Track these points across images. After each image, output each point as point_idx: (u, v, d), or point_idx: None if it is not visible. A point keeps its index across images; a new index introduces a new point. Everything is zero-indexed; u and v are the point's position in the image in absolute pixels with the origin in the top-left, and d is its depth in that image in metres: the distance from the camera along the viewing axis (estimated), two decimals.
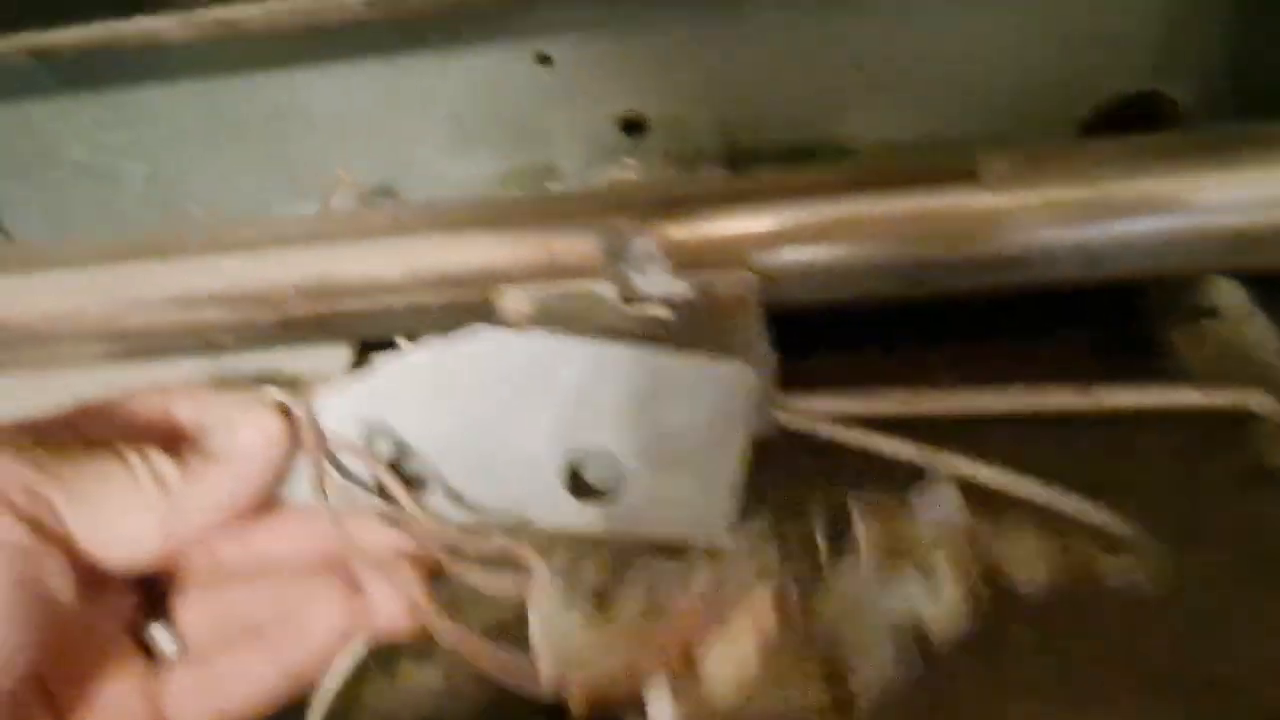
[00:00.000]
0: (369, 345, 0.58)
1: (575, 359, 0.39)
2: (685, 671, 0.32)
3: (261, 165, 0.67)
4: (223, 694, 0.37)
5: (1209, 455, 0.57)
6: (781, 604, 0.30)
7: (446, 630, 0.37)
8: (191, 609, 0.39)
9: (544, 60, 0.60)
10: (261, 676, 0.37)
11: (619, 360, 0.40)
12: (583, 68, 0.61)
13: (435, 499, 0.41)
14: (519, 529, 0.43)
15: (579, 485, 0.42)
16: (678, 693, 0.32)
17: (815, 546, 0.33)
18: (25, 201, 0.69)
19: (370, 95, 0.63)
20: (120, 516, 0.34)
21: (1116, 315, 0.63)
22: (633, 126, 0.63)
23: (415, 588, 0.37)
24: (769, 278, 0.43)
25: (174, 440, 0.37)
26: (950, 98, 0.62)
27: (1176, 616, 0.50)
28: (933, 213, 0.41)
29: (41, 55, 0.55)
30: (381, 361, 0.40)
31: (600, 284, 0.43)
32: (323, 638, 0.37)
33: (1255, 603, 0.50)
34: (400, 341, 0.51)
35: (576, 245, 0.43)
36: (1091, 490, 0.57)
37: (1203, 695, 0.48)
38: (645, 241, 0.43)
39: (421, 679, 0.53)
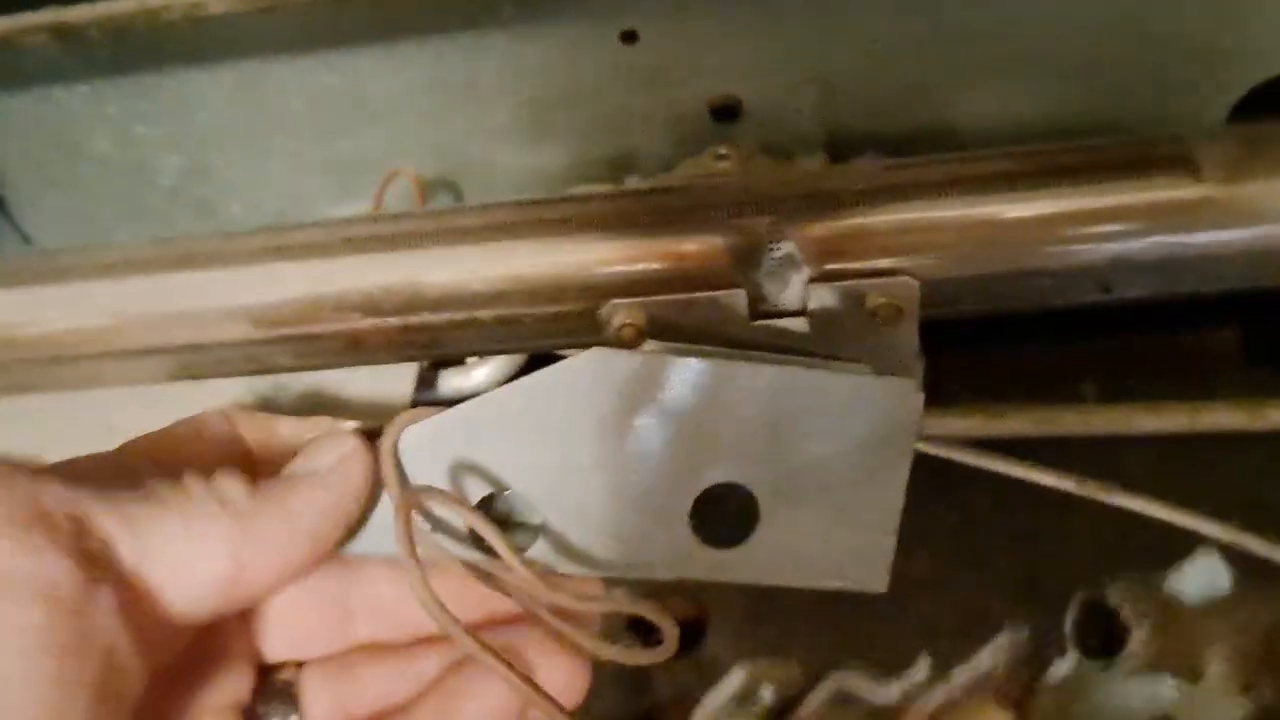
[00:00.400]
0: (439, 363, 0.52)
1: (698, 380, 0.33)
2: None
3: (307, 160, 0.60)
4: None
5: None
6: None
7: None
8: (319, 694, 0.33)
9: (629, 38, 0.54)
10: None
11: (751, 378, 0.33)
12: (672, 45, 0.54)
13: (537, 548, 0.35)
14: (639, 582, 0.37)
15: (706, 527, 0.35)
16: None
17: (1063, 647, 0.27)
18: (47, 200, 0.63)
19: (433, 78, 0.56)
20: (183, 544, 0.28)
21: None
22: (725, 112, 0.56)
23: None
24: (933, 284, 0.36)
25: (243, 468, 0.31)
26: (1075, 81, 0.55)
27: None
28: (1141, 208, 0.34)
29: (65, 35, 0.48)
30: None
31: (730, 294, 0.36)
32: None
33: None
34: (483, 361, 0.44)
35: (701, 249, 0.36)
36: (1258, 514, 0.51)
37: None
38: (785, 245, 0.36)
39: None
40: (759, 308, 0.37)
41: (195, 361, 0.42)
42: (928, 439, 0.48)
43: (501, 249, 0.38)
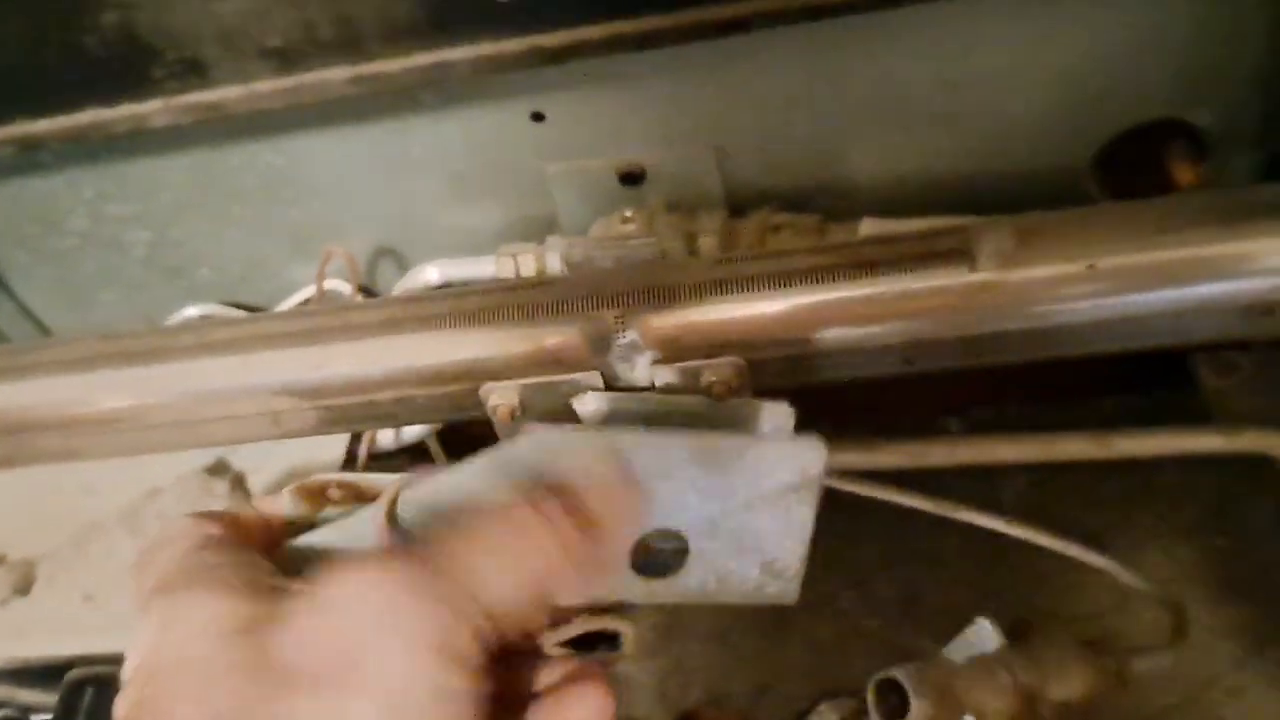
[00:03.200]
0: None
1: (638, 451, 0.38)
2: None
3: (263, 227, 0.67)
4: None
5: (1235, 498, 0.55)
6: None
7: None
8: None
9: (538, 118, 0.60)
10: None
11: (682, 447, 0.39)
12: (577, 123, 0.60)
13: None
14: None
15: (644, 562, 0.41)
16: None
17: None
18: (34, 270, 0.70)
19: (368, 157, 0.63)
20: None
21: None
22: (631, 177, 0.62)
23: None
24: (756, 363, 0.42)
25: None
26: (956, 134, 0.60)
27: (1200, 670, 0.49)
28: (925, 294, 0.40)
29: (31, 146, 0.55)
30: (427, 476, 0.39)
31: (587, 375, 0.43)
32: None
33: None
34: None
35: (562, 339, 0.42)
36: (1113, 536, 0.56)
37: None
38: (630, 335, 0.42)
39: None
40: (613, 386, 0.43)
41: (159, 438, 0.49)
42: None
43: (394, 342, 0.44)
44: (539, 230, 0.64)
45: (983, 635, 0.39)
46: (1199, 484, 0.56)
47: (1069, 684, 0.38)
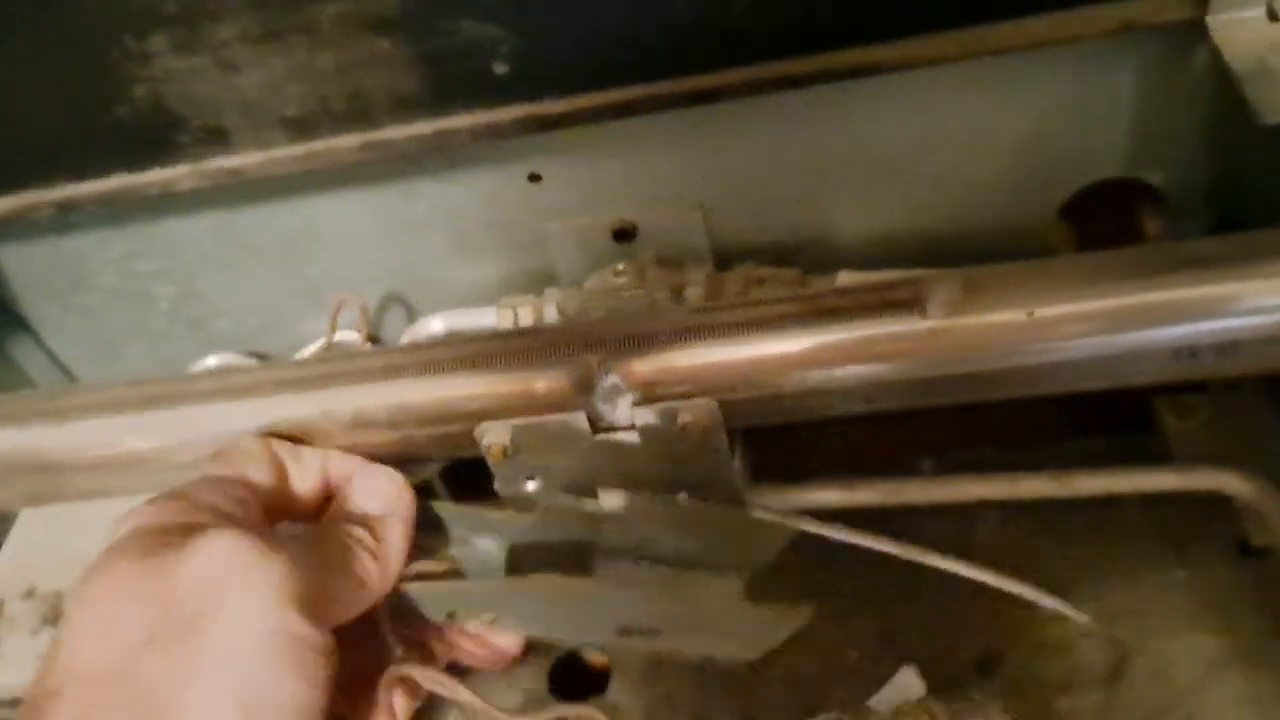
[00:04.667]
0: None
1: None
2: None
3: (280, 283, 0.71)
4: None
5: (1193, 533, 0.58)
6: None
7: None
8: None
9: (535, 179, 0.64)
10: None
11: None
12: (572, 184, 0.64)
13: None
14: None
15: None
16: None
17: None
18: (64, 323, 0.75)
19: (376, 216, 0.67)
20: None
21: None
22: (623, 234, 0.66)
23: None
24: (729, 404, 0.45)
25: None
26: (928, 194, 0.64)
27: (1148, 692, 0.52)
28: (881, 340, 0.44)
29: (66, 207, 0.60)
30: None
31: (574, 416, 0.46)
32: None
33: (1231, 684, 0.52)
34: None
35: (549, 382, 0.46)
36: (1079, 572, 0.59)
37: None
38: (612, 379, 0.46)
39: None
40: (598, 425, 0.47)
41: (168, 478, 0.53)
42: (790, 512, 0.57)
43: (397, 385, 0.48)
44: (538, 283, 0.68)
45: (907, 682, 0.42)
46: (1160, 521, 0.59)
47: None
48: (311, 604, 0.37)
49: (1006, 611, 0.58)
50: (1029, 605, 0.56)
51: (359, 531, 0.43)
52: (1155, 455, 0.61)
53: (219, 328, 0.74)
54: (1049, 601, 0.53)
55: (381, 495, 0.46)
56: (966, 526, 0.62)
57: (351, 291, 0.69)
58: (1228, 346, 0.42)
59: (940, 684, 0.56)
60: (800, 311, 0.45)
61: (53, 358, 0.76)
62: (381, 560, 0.43)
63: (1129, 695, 0.53)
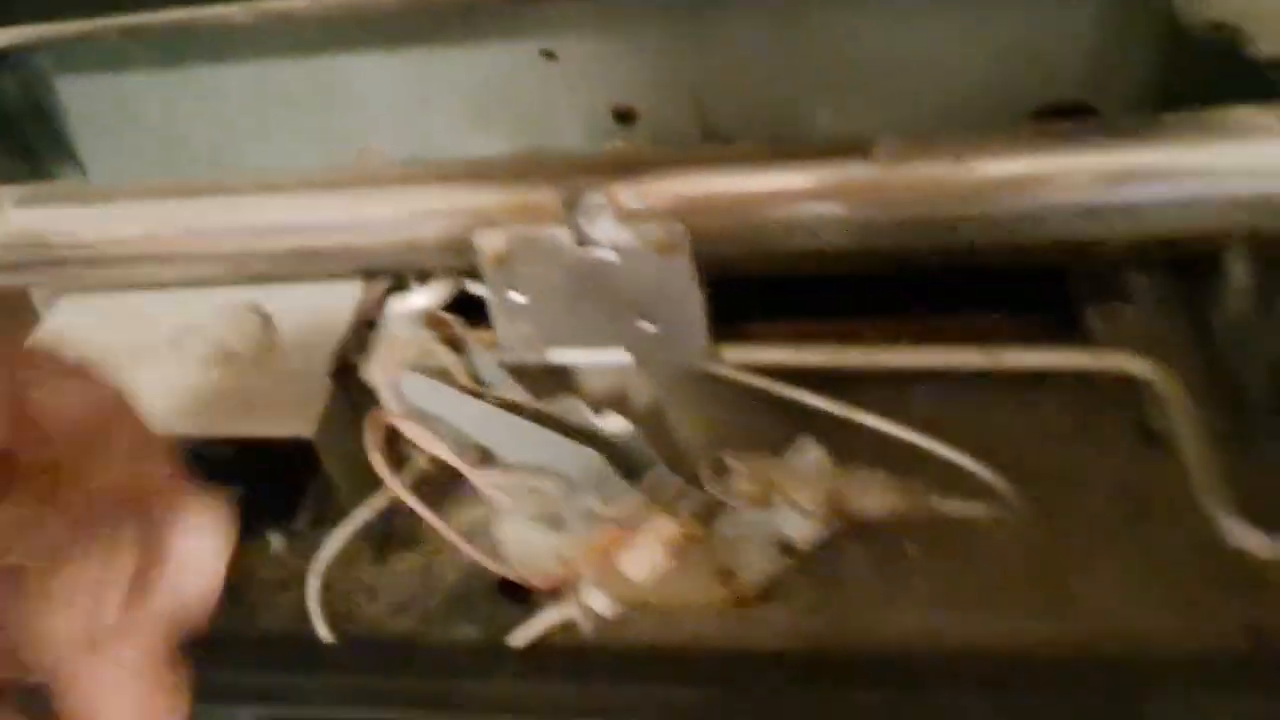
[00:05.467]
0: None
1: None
2: (608, 569, 0.41)
3: (308, 136, 0.78)
4: None
5: (1099, 415, 0.65)
6: (682, 523, 0.40)
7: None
8: None
9: (549, 55, 0.71)
10: None
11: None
12: (582, 63, 0.71)
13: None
14: None
15: None
16: (603, 582, 0.41)
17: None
18: (110, 161, 0.81)
19: (402, 79, 0.74)
20: None
21: (1049, 300, 0.71)
22: (624, 116, 0.73)
23: None
24: (697, 229, 0.52)
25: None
26: (904, 99, 0.71)
27: (1051, 547, 0.58)
28: (831, 181, 0.50)
29: (131, 35, 0.66)
30: None
31: (560, 230, 0.53)
32: None
33: (1119, 541, 0.58)
34: None
35: (542, 197, 0.53)
36: (990, 440, 0.66)
37: (1067, 608, 0.56)
38: (597, 197, 0.52)
39: (406, 563, 0.63)
40: (582, 239, 0.53)
41: (203, 271, 0.60)
42: (741, 367, 0.64)
43: (410, 192, 0.55)
44: None
45: (807, 449, 0.48)
46: (1074, 402, 0.65)
47: (873, 496, 0.48)
48: None
49: (926, 468, 0.64)
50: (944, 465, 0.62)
51: None
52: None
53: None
54: (972, 465, 0.59)
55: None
56: (901, 394, 0.67)
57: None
58: (1131, 208, 0.49)
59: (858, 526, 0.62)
60: (765, 152, 0.52)
61: None
62: None
63: (1032, 544, 0.59)
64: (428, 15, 0.66)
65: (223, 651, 0.56)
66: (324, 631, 0.58)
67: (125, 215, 0.59)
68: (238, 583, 0.64)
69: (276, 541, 0.66)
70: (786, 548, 0.47)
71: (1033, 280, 0.71)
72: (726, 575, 0.46)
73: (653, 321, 0.56)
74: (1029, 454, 0.63)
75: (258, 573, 0.65)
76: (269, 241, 0.57)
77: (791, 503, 0.45)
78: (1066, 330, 0.70)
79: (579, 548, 0.42)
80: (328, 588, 0.60)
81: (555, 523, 0.49)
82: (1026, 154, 0.49)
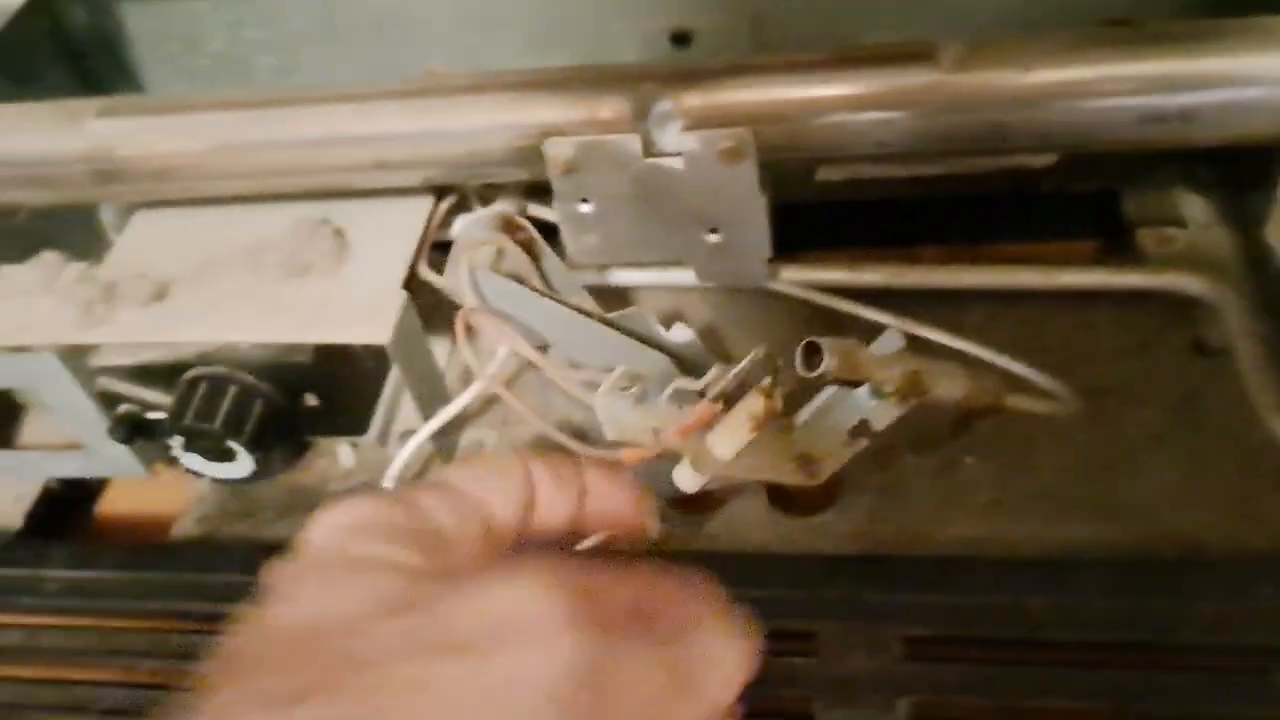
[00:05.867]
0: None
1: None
2: (697, 445, 0.42)
3: (369, 64, 0.79)
4: None
5: (1154, 332, 0.66)
6: (768, 399, 0.41)
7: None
8: None
9: None
10: None
11: None
12: None
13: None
14: None
15: None
16: (692, 455, 0.42)
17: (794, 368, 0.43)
18: (171, 84, 0.83)
19: (462, 6, 0.75)
20: None
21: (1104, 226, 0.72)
22: (680, 38, 0.74)
23: None
24: (763, 137, 0.53)
25: None
26: (959, 17, 0.71)
27: (1105, 454, 0.60)
28: (896, 88, 0.51)
29: None
30: None
31: (630, 137, 0.54)
32: None
33: (1172, 449, 0.59)
34: None
35: (610, 106, 0.54)
36: (1046, 356, 0.67)
37: (1120, 512, 0.57)
38: (665, 104, 0.54)
39: None
40: (650, 149, 0.55)
41: (269, 184, 0.61)
42: (802, 285, 0.65)
43: (478, 100, 0.56)
44: None
45: (891, 339, 0.49)
46: (1128, 320, 0.66)
47: (949, 383, 0.48)
48: None
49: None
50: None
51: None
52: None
53: None
54: (1032, 374, 0.60)
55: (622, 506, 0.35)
56: (957, 314, 0.68)
57: None
58: (1190, 113, 0.50)
59: (917, 438, 0.64)
60: (829, 59, 0.53)
61: None
62: None
63: (1087, 452, 0.61)
64: None
65: None
66: None
67: (202, 127, 0.60)
68: (311, 493, 0.67)
69: (345, 454, 0.69)
70: (863, 430, 0.48)
71: (1086, 203, 0.72)
72: (804, 460, 0.47)
73: (717, 231, 0.57)
74: (1085, 369, 0.64)
75: (328, 485, 0.67)
76: (339, 153, 0.59)
77: (874, 385, 0.46)
78: (1120, 253, 0.71)
79: (671, 422, 0.43)
80: None
81: (646, 399, 0.49)
82: (1090, 59, 0.50)
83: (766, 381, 0.41)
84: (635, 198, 0.56)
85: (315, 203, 0.64)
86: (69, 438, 0.68)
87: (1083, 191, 0.71)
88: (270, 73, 0.80)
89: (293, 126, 0.58)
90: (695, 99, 0.53)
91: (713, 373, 0.47)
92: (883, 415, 0.48)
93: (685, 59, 0.54)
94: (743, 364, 0.44)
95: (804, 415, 0.49)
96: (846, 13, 0.71)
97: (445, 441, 0.65)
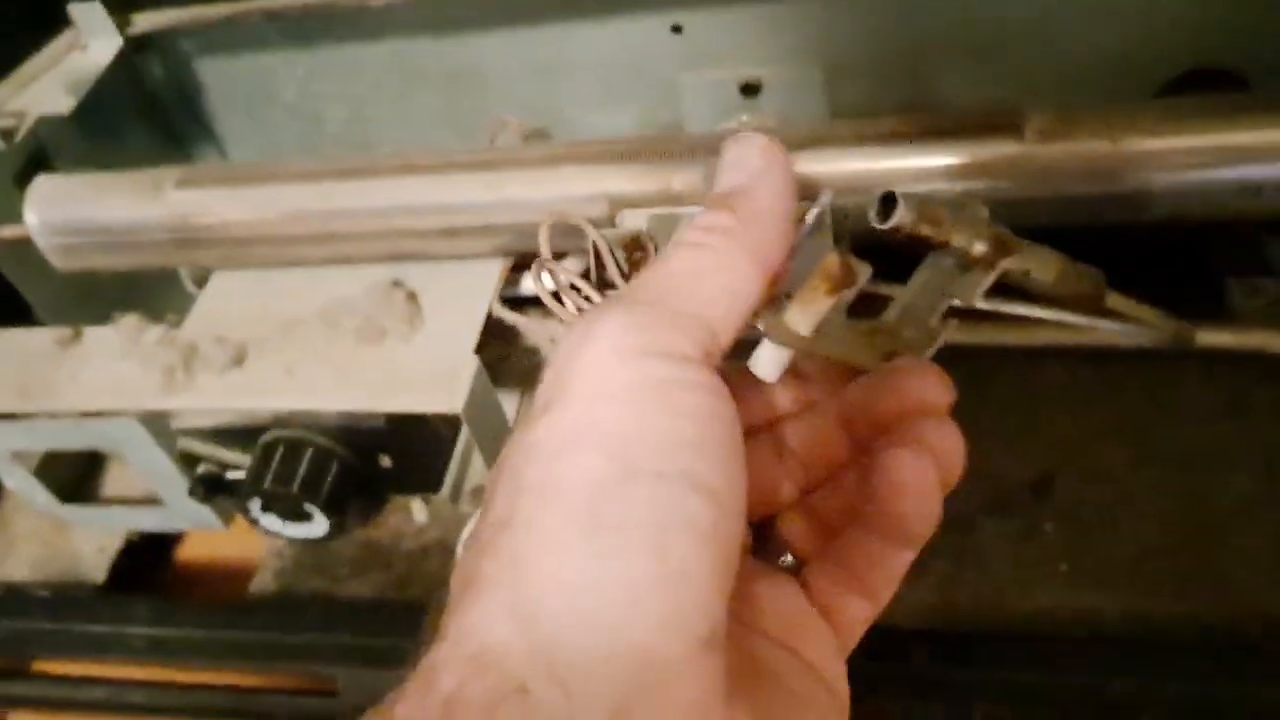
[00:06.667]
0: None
1: None
2: (773, 315, 0.39)
3: (439, 115, 0.79)
4: None
5: (1247, 391, 0.64)
6: (841, 257, 0.38)
7: None
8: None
9: (677, 30, 0.71)
10: None
11: None
12: (708, 37, 0.71)
13: None
14: None
15: None
16: (768, 329, 0.39)
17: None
18: (247, 136, 0.84)
19: (531, 56, 0.75)
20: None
21: (1187, 271, 0.70)
22: (750, 89, 0.73)
23: None
24: (839, 208, 0.52)
25: None
26: (1036, 68, 0.70)
27: (1186, 519, 0.58)
28: (980, 160, 0.50)
29: (272, 17, 0.68)
30: None
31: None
32: None
33: (1263, 519, 0.57)
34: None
35: (683, 177, 0.54)
36: (1129, 415, 0.65)
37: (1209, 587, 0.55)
38: None
39: None
40: None
41: (345, 250, 0.62)
42: None
43: (554, 173, 0.56)
44: (669, 132, 0.76)
45: (975, 207, 0.42)
46: (1218, 378, 0.64)
47: (1042, 259, 0.41)
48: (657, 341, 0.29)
49: (1061, 441, 0.64)
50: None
51: (712, 218, 0.33)
52: None
53: (379, 153, 0.82)
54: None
55: (744, 164, 0.36)
56: (1029, 373, 0.67)
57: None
58: None
59: (993, 502, 0.62)
60: (910, 130, 0.52)
61: None
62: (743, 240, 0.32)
63: (1169, 521, 0.59)
64: None
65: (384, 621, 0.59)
66: None
67: (277, 197, 0.61)
68: (384, 550, 0.67)
69: (419, 510, 0.69)
70: (951, 313, 0.41)
71: (1172, 250, 0.70)
72: (892, 357, 0.42)
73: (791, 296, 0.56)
74: (1168, 430, 0.63)
75: (402, 542, 0.68)
76: (413, 222, 0.59)
77: (959, 250, 0.39)
78: (1208, 301, 0.69)
79: None
80: None
81: None
82: (1180, 129, 0.49)
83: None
84: None
85: (389, 265, 0.65)
86: (149, 490, 0.69)
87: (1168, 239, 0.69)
88: (341, 124, 0.81)
89: (366, 197, 0.59)
90: None
91: None
92: (972, 286, 0.40)
93: (762, 128, 0.54)
94: (808, 217, 0.40)
95: (891, 313, 0.42)
96: (917, 64, 0.70)
97: None
